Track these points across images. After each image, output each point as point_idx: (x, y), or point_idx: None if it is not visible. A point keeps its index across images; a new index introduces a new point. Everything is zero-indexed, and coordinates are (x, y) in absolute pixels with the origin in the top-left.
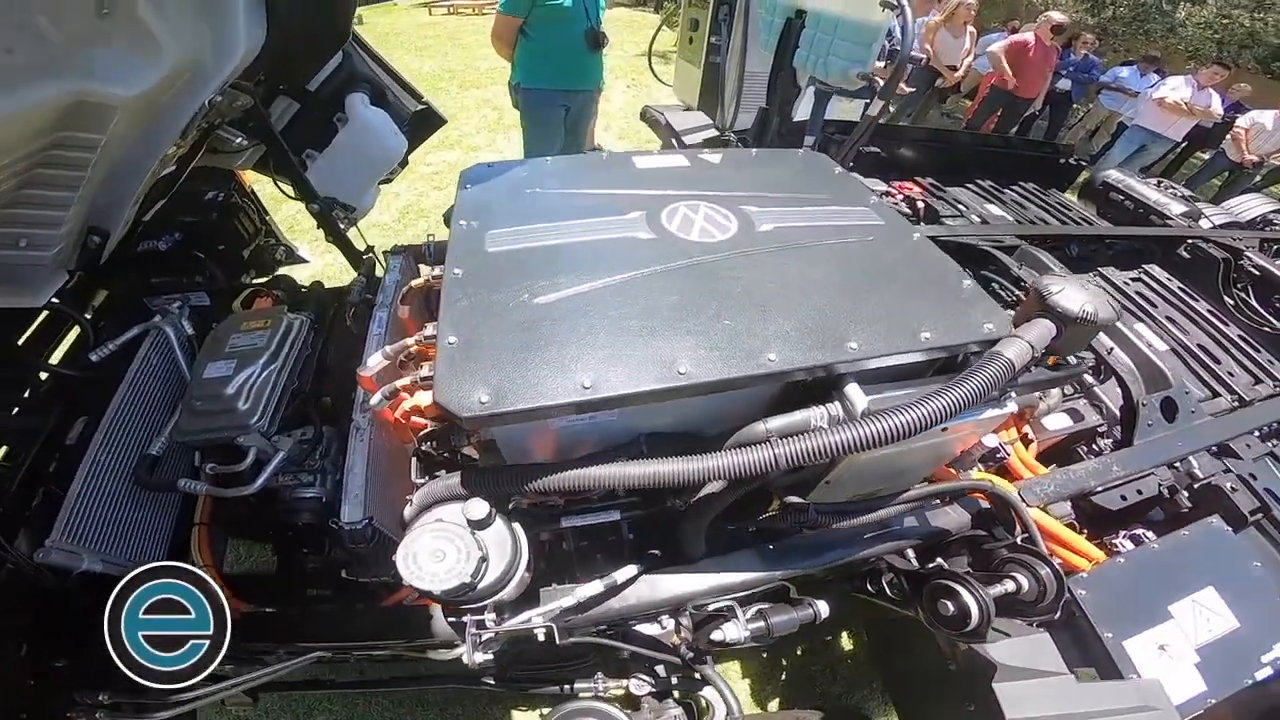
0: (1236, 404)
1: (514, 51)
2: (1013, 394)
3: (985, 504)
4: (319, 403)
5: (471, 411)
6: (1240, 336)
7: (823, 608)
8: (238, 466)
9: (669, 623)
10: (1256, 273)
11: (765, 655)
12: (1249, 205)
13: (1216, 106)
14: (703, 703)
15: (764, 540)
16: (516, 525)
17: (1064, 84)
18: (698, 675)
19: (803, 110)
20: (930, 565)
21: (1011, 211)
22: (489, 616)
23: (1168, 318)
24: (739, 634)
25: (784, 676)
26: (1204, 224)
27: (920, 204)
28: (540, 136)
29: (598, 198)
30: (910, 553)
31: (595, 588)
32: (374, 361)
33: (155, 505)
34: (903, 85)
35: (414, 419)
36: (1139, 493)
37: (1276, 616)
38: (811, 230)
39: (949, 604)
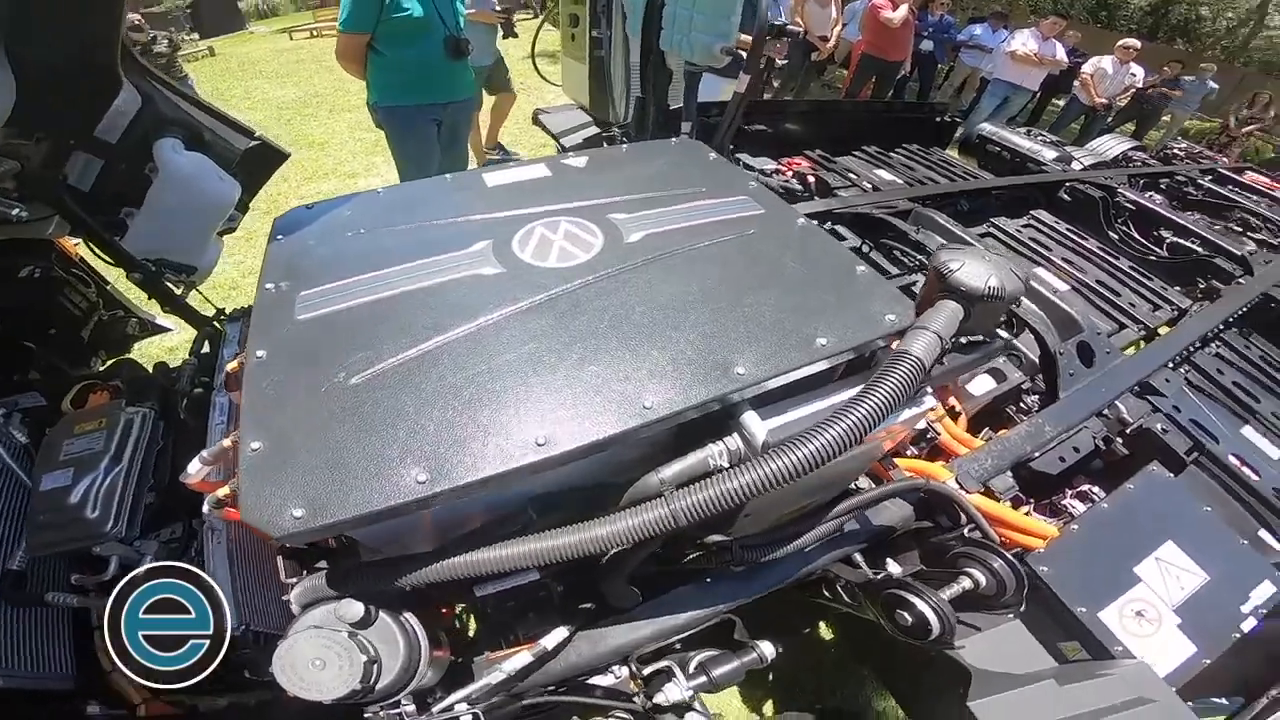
0: (1143, 333)
1: (366, 69)
2: (929, 389)
3: None
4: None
5: (284, 530)
6: (1131, 268)
7: (767, 649)
8: (104, 576)
9: (622, 671)
10: (1132, 207)
11: None
12: (1110, 145)
13: (1061, 55)
14: None
15: (701, 575)
16: (408, 616)
17: (927, 45)
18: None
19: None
20: (879, 571)
21: (900, 174)
22: (406, 710)
23: (1063, 259)
24: (680, 694)
25: (772, 678)
26: (1075, 166)
27: (811, 178)
28: (412, 157)
29: (437, 230)
30: (858, 556)
31: (524, 658)
32: (194, 469)
33: (44, 614)
34: (775, 55)
35: None
36: (1075, 450)
37: (1242, 561)
38: (686, 232)
39: (906, 615)
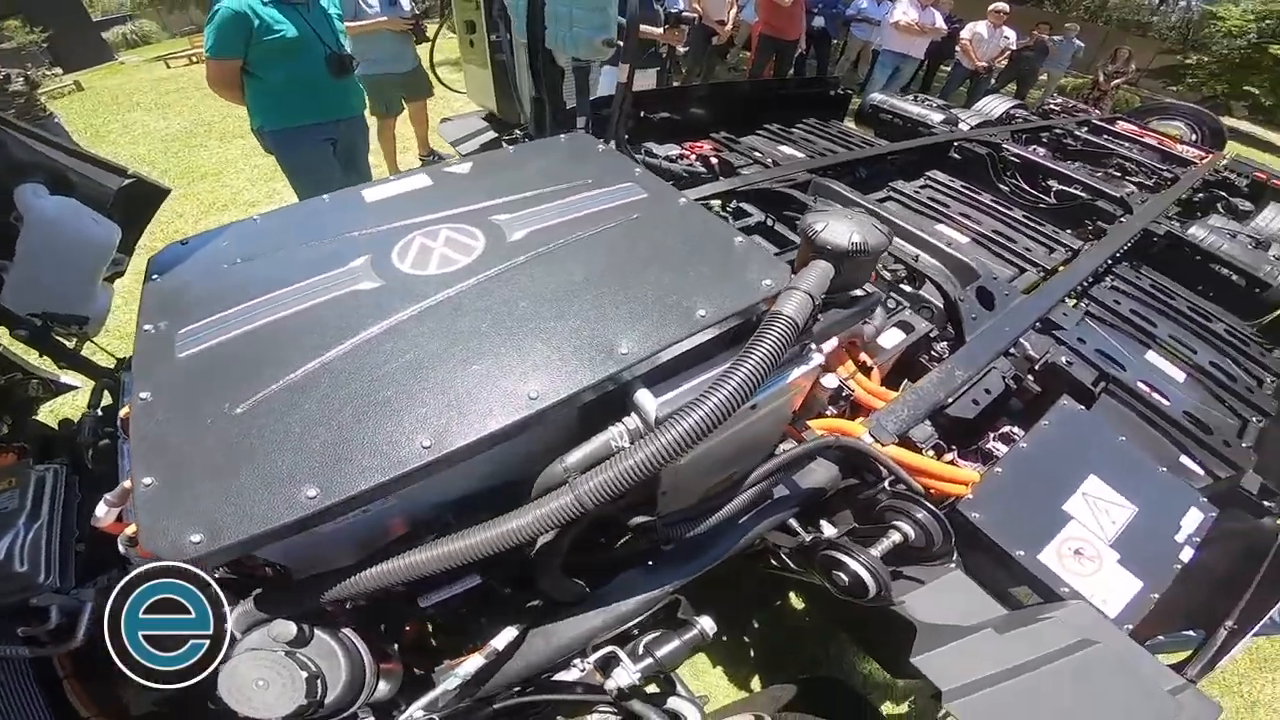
0: (1041, 275)
1: (245, 94)
2: (813, 345)
3: None
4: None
5: (185, 555)
6: (1025, 216)
7: (707, 625)
8: (48, 625)
9: (585, 663)
10: (1017, 160)
11: (726, 639)
12: (994, 105)
13: (940, 22)
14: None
15: (643, 559)
16: (347, 632)
17: (818, 21)
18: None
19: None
20: (813, 534)
21: (802, 148)
22: None
23: (961, 214)
24: (629, 678)
25: (754, 654)
26: (963, 127)
27: (715, 159)
28: (308, 180)
29: (314, 251)
30: (794, 522)
31: (477, 662)
32: (102, 512)
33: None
34: (675, 42)
35: None
36: (987, 392)
37: (1166, 489)
38: (569, 224)
39: (842, 575)
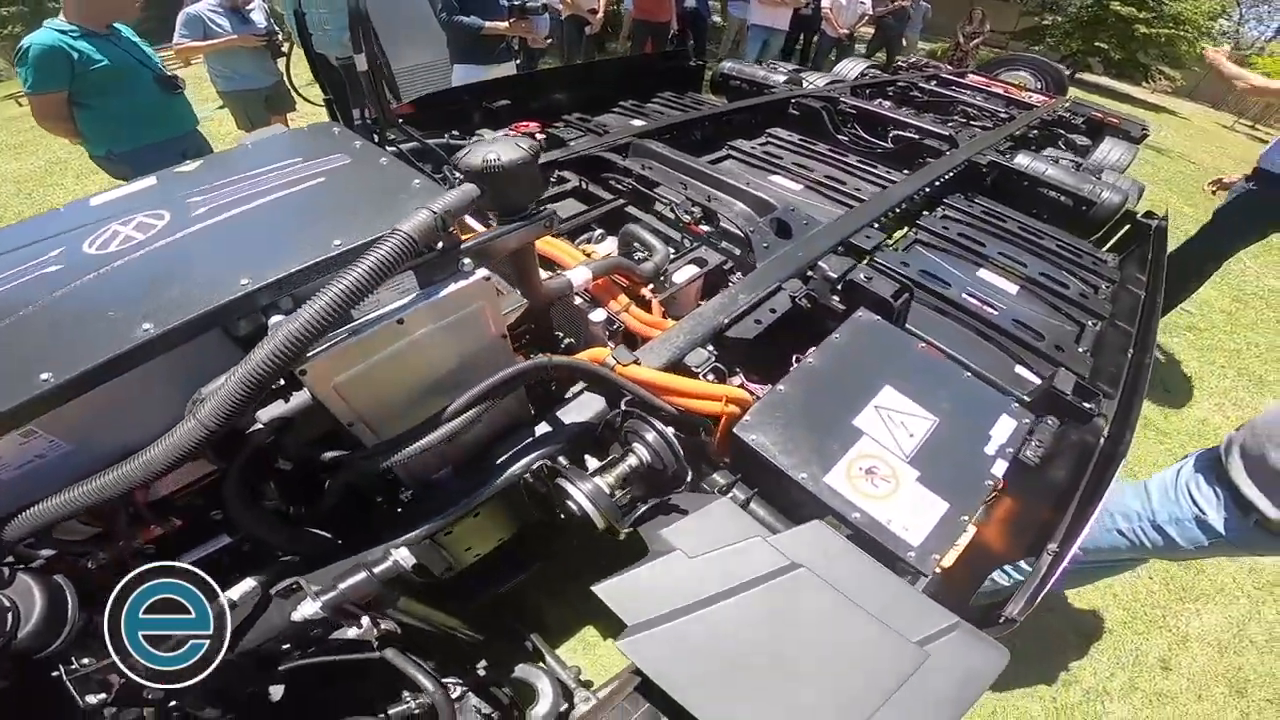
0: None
1: (77, 126)
2: (468, 262)
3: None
4: None
5: None
6: (860, 161)
7: (403, 555)
8: None
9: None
10: (853, 111)
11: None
12: (849, 66)
13: None
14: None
15: (396, 510)
16: (59, 576)
17: (690, 2)
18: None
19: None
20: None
21: (653, 120)
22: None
23: (795, 164)
24: (313, 609)
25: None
26: (809, 86)
27: (540, 136)
28: None
29: (18, 255)
30: (564, 461)
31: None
32: None
33: None
34: (523, 34)
35: None
36: (772, 311)
37: (971, 395)
38: (258, 194)
39: (570, 505)
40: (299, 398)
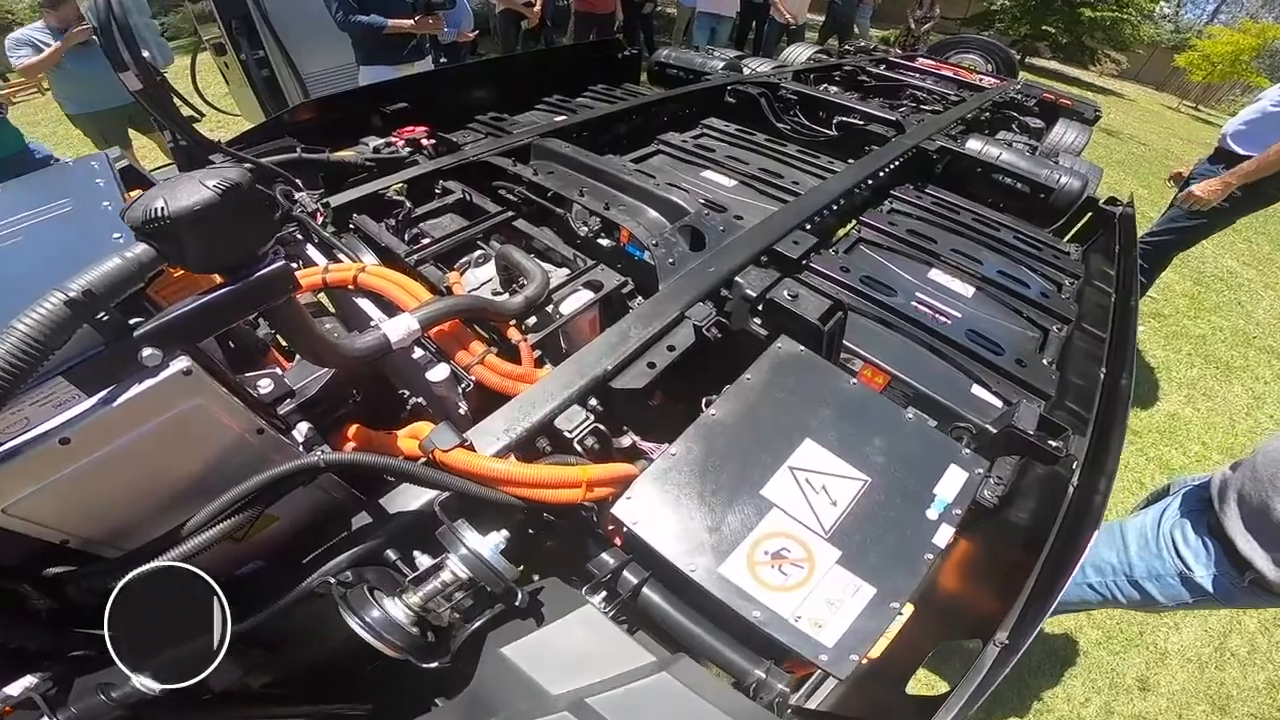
0: None
1: None
2: (151, 354)
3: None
4: None
5: None
6: (800, 151)
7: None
8: None
9: None
10: (795, 98)
11: None
12: (796, 52)
13: None
14: None
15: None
16: None
17: None
18: None
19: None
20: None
21: (581, 116)
22: None
23: (728, 157)
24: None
25: None
26: (750, 73)
27: (428, 142)
28: None
29: None
30: (392, 554)
31: None
32: None
33: None
34: (432, 31)
35: None
36: (670, 349)
37: (914, 447)
38: None
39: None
40: None
